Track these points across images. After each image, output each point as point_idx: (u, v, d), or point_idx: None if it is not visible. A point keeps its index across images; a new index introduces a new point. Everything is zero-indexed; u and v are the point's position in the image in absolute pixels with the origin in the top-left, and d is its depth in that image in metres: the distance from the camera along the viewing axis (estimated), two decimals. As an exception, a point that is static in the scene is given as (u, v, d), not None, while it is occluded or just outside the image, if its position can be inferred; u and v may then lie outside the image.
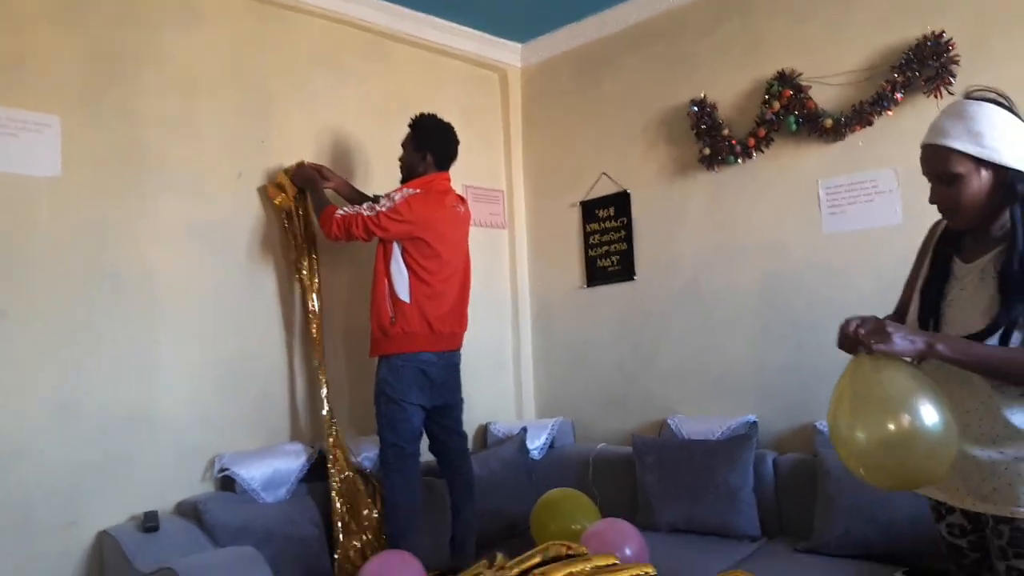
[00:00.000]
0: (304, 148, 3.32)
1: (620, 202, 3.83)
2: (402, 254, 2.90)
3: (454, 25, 3.89)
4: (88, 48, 2.73)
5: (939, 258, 1.67)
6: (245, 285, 3.09)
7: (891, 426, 1.45)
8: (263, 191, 3.17)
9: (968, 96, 1.56)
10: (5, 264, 2.50)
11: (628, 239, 3.81)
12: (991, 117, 1.49)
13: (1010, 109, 1.52)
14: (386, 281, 2.89)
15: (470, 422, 3.35)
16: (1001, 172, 1.50)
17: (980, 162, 1.50)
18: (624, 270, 3.83)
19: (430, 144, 3.03)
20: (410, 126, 3.08)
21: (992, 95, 1.53)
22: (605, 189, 3.91)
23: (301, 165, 3.12)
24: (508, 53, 4.26)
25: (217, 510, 2.68)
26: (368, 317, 2.98)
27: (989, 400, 1.51)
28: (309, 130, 3.37)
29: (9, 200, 2.52)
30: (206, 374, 2.93)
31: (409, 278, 2.88)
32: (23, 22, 2.60)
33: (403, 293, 2.87)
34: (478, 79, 4.21)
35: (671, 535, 3.04)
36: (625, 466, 3.37)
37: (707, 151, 3.48)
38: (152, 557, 2.40)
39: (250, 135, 3.15)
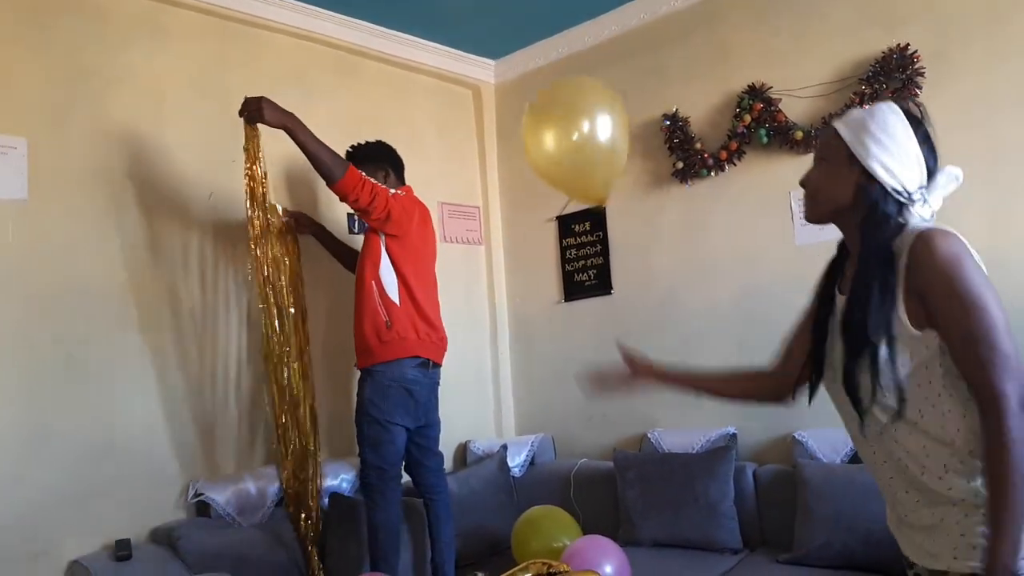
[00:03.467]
0: (274, 166, 3.29)
1: (596, 217, 3.84)
2: (388, 255, 2.84)
3: (425, 42, 3.90)
4: (54, 68, 2.70)
5: (823, 290, 1.52)
6: (218, 307, 3.05)
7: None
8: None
9: (893, 101, 1.46)
10: None
11: (604, 253, 3.82)
12: (887, 121, 1.36)
13: (918, 125, 1.38)
14: (375, 285, 2.81)
15: (449, 441, 3.33)
16: (865, 176, 1.37)
17: (852, 156, 1.37)
18: (601, 284, 3.84)
19: (382, 160, 2.99)
20: (354, 157, 2.97)
21: (909, 106, 1.41)
22: (581, 204, 3.91)
23: (260, 101, 2.64)
24: (481, 70, 4.27)
25: (192, 536, 2.63)
26: (348, 330, 2.92)
27: (918, 483, 1.33)
28: (278, 149, 3.33)
29: None
30: (179, 398, 2.89)
31: (397, 280, 2.82)
32: (-14, 44, 2.56)
33: (394, 295, 2.80)
34: (451, 96, 4.21)
35: (653, 550, 3.03)
36: (606, 481, 3.36)
37: (680, 165, 3.50)
38: None
39: (220, 154, 3.11)
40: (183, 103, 3.04)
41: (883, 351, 1.29)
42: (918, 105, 1.42)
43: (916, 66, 2.87)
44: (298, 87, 3.39)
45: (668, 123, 3.53)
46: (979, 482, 1.25)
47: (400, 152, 3.10)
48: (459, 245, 4.08)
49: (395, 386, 2.77)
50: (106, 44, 2.84)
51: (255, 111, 2.62)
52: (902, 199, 1.34)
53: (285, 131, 2.62)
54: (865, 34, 3.03)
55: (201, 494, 2.78)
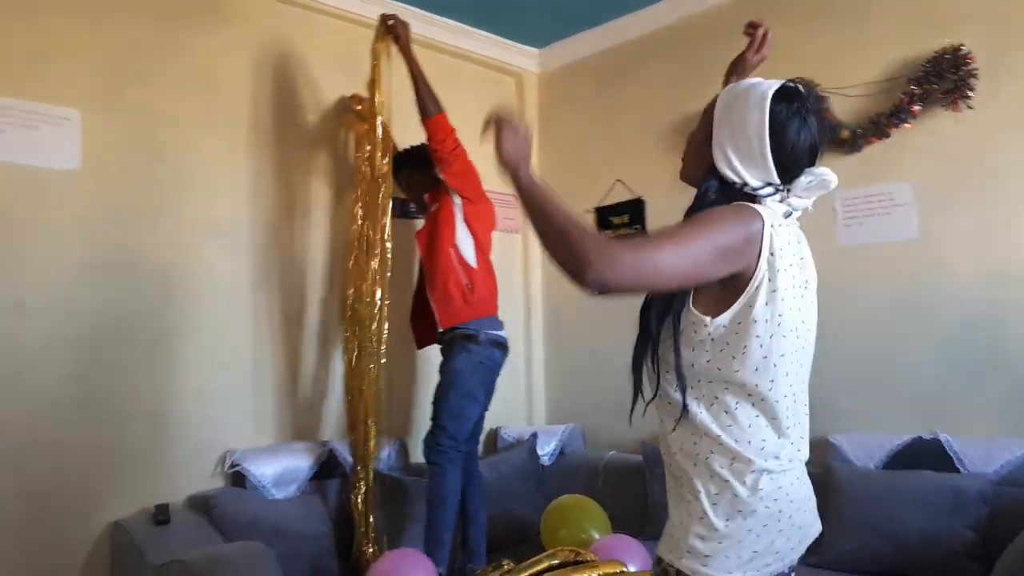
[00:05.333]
0: (320, 148, 3.35)
1: (635, 209, 3.83)
2: (465, 221, 2.94)
3: (472, 29, 3.91)
4: (110, 44, 2.76)
5: None
6: (260, 282, 3.10)
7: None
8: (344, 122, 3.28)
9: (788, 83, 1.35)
10: (23, 256, 2.52)
11: None
12: (747, 109, 1.28)
13: (792, 116, 1.28)
14: (452, 251, 2.90)
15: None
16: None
17: (711, 136, 1.33)
18: None
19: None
20: (407, 161, 3.09)
21: (792, 84, 1.32)
22: (620, 196, 3.91)
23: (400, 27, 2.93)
24: (525, 58, 4.27)
25: (228, 505, 2.70)
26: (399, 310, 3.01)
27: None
28: (325, 131, 3.39)
29: (28, 192, 2.55)
30: (220, 370, 2.95)
31: (474, 244, 2.92)
32: (46, 17, 2.63)
33: (471, 259, 2.91)
34: (495, 83, 4.22)
35: None
36: (635, 475, 3.36)
37: None
38: (163, 549, 2.40)
39: (266, 134, 3.17)
40: (234, 83, 3.08)
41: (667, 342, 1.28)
42: (801, 90, 1.32)
43: (970, 67, 2.82)
44: (348, 70, 3.41)
45: (712, 118, 3.49)
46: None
47: None
48: (496, 233, 4.09)
49: (486, 365, 2.87)
50: (162, 21, 2.90)
51: (403, 30, 2.89)
52: (747, 191, 1.29)
53: (406, 56, 2.87)
54: (918, 33, 2.98)
55: (238, 465, 2.84)
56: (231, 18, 3.11)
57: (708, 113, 1.37)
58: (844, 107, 3.15)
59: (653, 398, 1.34)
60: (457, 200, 2.94)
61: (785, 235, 1.26)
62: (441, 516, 2.78)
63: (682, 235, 1.18)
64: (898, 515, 2.63)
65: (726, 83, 1.89)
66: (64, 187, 2.62)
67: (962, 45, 2.84)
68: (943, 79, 2.88)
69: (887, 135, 3.02)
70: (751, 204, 1.26)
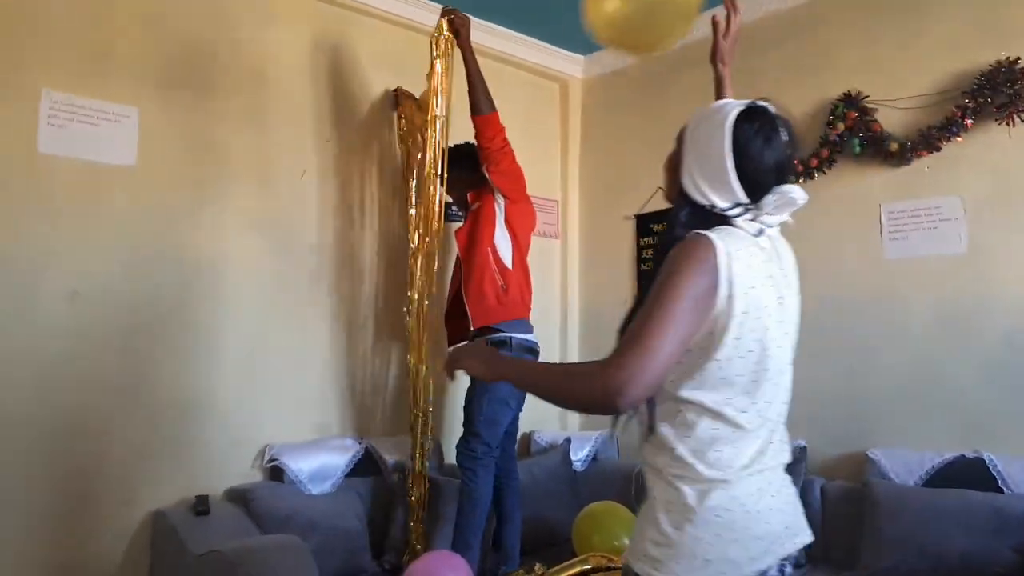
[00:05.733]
0: (369, 147, 3.39)
1: None
2: (505, 220, 2.95)
3: (518, 35, 3.93)
4: (168, 43, 2.83)
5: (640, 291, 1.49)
6: (304, 278, 3.15)
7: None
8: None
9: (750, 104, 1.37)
10: (79, 247, 2.59)
11: None
12: (707, 131, 1.33)
13: (755, 135, 1.31)
14: (490, 250, 2.91)
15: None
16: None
17: (681, 146, 1.38)
18: None
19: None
20: (453, 158, 3.01)
21: (756, 104, 1.36)
22: (661, 204, 3.89)
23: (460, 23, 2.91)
24: (570, 64, 4.28)
25: (265, 498, 2.74)
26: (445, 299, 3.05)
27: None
28: (373, 129, 3.43)
29: (86, 186, 2.62)
30: (262, 365, 3.00)
31: (511, 245, 2.93)
32: (110, 16, 2.70)
33: (507, 260, 2.92)
34: (538, 89, 4.24)
35: None
36: None
37: None
38: (202, 540, 2.45)
39: (315, 133, 3.22)
40: (284, 82, 3.15)
41: None
42: (765, 110, 1.35)
43: (1026, 81, 2.76)
44: (393, 72, 3.47)
45: (757, 127, 3.47)
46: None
47: None
48: (535, 238, 4.09)
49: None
50: (218, 22, 2.97)
51: (463, 25, 2.87)
52: (717, 212, 1.31)
53: (464, 51, 2.87)
54: (972, 46, 2.92)
55: (276, 459, 2.89)
56: (281, 18, 3.17)
57: (680, 137, 1.40)
58: (894, 119, 3.11)
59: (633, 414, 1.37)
60: (500, 200, 2.96)
61: (747, 257, 1.27)
62: (471, 521, 2.80)
63: (659, 312, 1.21)
64: (938, 534, 2.57)
65: (716, 79, 2.10)
66: (120, 182, 2.69)
67: (1019, 58, 2.79)
68: (997, 93, 2.82)
69: (937, 148, 2.97)
70: (703, 233, 1.26)
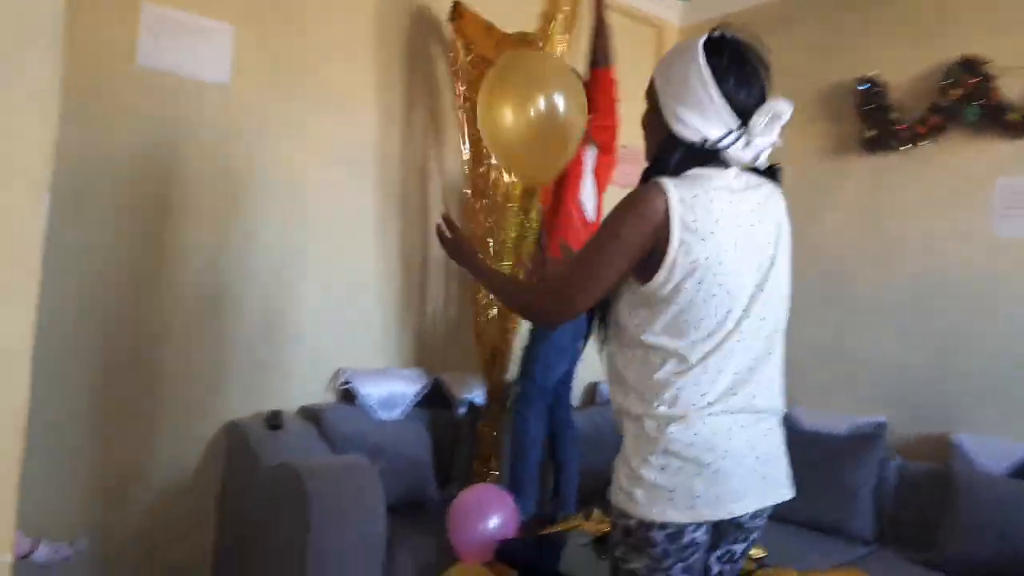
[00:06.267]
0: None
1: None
2: (594, 176, 2.87)
3: None
4: None
5: None
6: (384, 211, 3.15)
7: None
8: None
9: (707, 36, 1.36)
10: (171, 162, 2.61)
11: None
12: (679, 65, 1.33)
13: (725, 61, 1.31)
14: (574, 204, 2.82)
15: (580, 379, 3.33)
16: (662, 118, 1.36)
17: (654, 95, 1.39)
18: None
19: None
20: None
21: (717, 35, 1.34)
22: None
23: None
24: (667, 9, 4.13)
25: (336, 419, 2.77)
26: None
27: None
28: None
29: (180, 102, 2.62)
30: (342, 290, 3.02)
31: (596, 196, 2.87)
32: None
33: (591, 212, 2.85)
34: (633, 35, 4.08)
35: (780, 525, 2.84)
36: None
37: (871, 134, 3.27)
38: (274, 453, 2.51)
39: (403, 69, 3.18)
40: (383, 13, 3.11)
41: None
42: (728, 38, 1.34)
43: None
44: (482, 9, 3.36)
45: (864, 87, 3.29)
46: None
47: None
48: (619, 188, 4.01)
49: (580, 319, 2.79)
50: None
51: None
52: (707, 147, 1.30)
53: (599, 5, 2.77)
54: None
55: (348, 383, 2.92)
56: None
57: (650, 92, 1.40)
58: (1017, 88, 2.91)
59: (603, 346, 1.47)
60: (592, 151, 2.87)
61: (707, 202, 1.27)
62: (523, 464, 2.79)
63: (587, 256, 1.34)
64: (1021, 525, 2.47)
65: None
66: (212, 99, 2.69)
67: None
68: None
69: (1064, 120, 2.77)
70: (657, 180, 1.29)
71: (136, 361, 2.56)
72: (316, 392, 2.95)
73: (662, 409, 1.29)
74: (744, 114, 1.30)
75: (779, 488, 1.36)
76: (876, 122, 3.26)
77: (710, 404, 1.28)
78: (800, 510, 2.87)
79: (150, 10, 2.56)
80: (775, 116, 1.31)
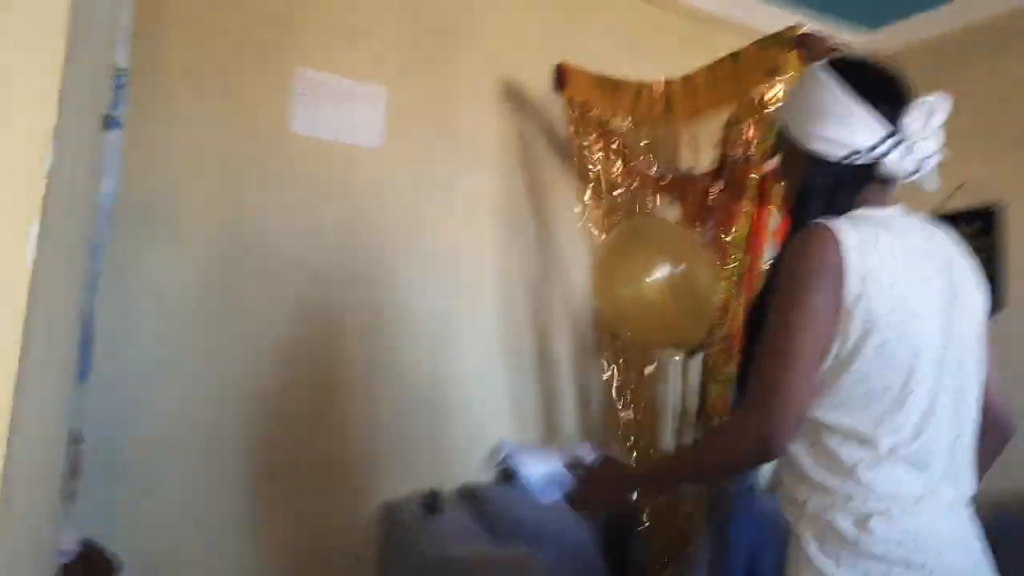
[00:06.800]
0: None
1: (985, 218, 3.20)
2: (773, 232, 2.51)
3: (788, 12, 3.28)
4: (414, 21, 2.74)
5: None
6: (546, 272, 2.93)
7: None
8: None
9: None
10: (324, 227, 2.52)
11: (992, 261, 3.14)
12: (808, 88, 1.20)
13: (855, 76, 1.17)
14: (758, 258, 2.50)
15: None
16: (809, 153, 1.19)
17: (793, 138, 1.21)
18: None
19: None
20: None
21: (836, 60, 1.21)
22: (965, 202, 3.17)
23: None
24: (850, 39, 3.57)
25: (496, 501, 2.56)
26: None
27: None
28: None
29: (335, 166, 2.55)
30: (499, 360, 2.83)
31: None
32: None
33: None
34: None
35: None
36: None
37: None
38: (434, 539, 2.36)
39: (554, 110, 2.92)
40: (524, 62, 2.93)
41: None
42: (850, 59, 1.24)
43: None
44: (642, 57, 3.07)
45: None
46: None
47: None
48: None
49: None
50: (460, 3, 2.83)
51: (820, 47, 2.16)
52: (861, 160, 1.14)
53: None
54: None
55: (507, 461, 2.64)
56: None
57: (779, 135, 1.27)
58: None
59: None
60: (776, 216, 2.48)
61: (887, 245, 1.10)
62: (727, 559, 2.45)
63: (783, 337, 1.07)
64: None
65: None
66: (369, 163, 2.61)
67: None
68: None
69: None
70: (822, 222, 1.10)
71: (288, 444, 2.45)
72: (473, 470, 2.65)
73: (857, 500, 1.06)
74: (894, 121, 1.13)
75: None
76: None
77: (910, 497, 1.06)
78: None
79: (304, 75, 2.54)
80: (931, 111, 1.13)
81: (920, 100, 1.14)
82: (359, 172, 2.60)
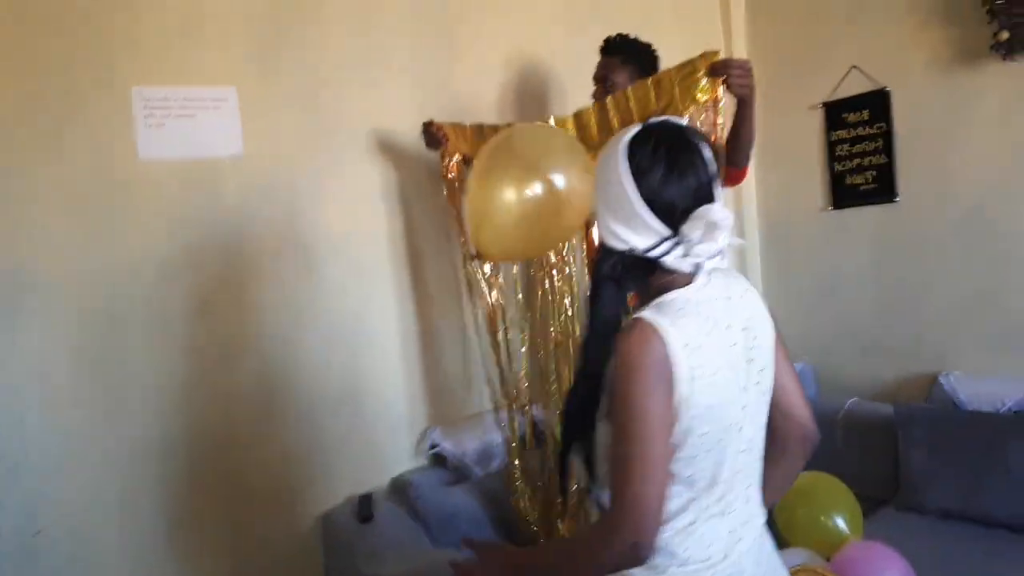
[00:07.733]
0: (491, 76, 2.92)
1: (876, 102, 3.08)
2: None
3: None
4: (259, 6, 2.46)
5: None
6: (435, 251, 2.81)
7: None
8: None
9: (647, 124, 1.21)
10: (198, 254, 2.35)
11: (888, 150, 3.07)
12: (606, 166, 1.19)
13: (646, 144, 1.16)
14: None
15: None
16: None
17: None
18: (882, 189, 3.12)
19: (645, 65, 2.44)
20: (626, 51, 2.43)
21: (651, 123, 1.20)
22: (856, 87, 3.15)
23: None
24: None
25: (428, 495, 2.52)
26: None
27: None
28: (497, 56, 2.95)
29: (195, 186, 2.34)
30: (406, 346, 2.75)
31: None
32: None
33: None
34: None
35: (942, 522, 2.51)
36: (883, 430, 2.80)
37: (1004, 35, 2.62)
38: (369, 552, 2.27)
39: (433, 77, 2.78)
40: (391, 40, 2.70)
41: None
42: (662, 124, 1.19)
43: None
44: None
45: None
46: None
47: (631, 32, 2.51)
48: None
49: None
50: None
51: (741, 75, 2.00)
52: (640, 256, 1.17)
53: (744, 101, 2.03)
54: None
55: (436, 444, 2.68)
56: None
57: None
58: None
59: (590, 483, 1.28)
60: None
61: (704, 337, 1.14)
62: None
63: (628, 450, 1.10)
64: None
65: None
66: (230, 174, 2.41)
67: None
68: None
69: None
70: (648, 322, 1.11)
71: (208, 470, 2.37)
72: (403, 458, 2.72)
73: (676, 568, 1.18)
74: (672, 218, 1.14)
75: None
76: (1010, 19, 2.59)
77: (722, 555, 1.19)
78: (964, 501, 2.47)
79: (142, 94, 2.26)
80: (711, 225, 1.12)
81: (702, 210, 1.13)
82: (225, 185, 2.39)
